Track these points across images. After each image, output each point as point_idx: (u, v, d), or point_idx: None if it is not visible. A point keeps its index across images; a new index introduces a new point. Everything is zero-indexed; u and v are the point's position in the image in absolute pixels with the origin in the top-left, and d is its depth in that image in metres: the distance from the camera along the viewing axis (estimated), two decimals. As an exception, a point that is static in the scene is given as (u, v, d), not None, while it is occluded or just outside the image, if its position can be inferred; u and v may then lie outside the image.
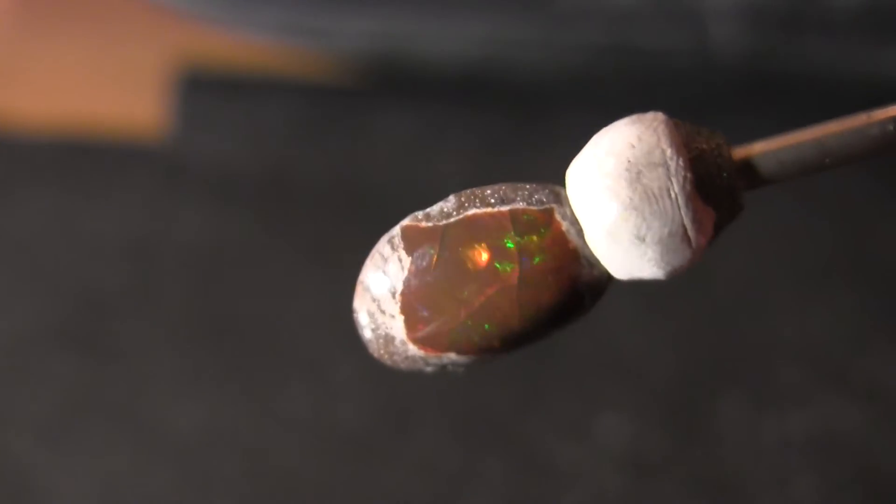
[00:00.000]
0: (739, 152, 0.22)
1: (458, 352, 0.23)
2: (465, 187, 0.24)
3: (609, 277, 0.23)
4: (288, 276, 0.51)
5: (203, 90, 0.56)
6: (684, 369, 0.49)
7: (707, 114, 0.52)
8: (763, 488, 0.46)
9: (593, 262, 0.23)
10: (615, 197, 0.22)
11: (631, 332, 0.49)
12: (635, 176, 0.22)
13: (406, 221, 0.23)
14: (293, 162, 0.54)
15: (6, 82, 0.57)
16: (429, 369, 0.24)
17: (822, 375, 0.48)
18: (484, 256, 0.23)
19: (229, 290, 0.51)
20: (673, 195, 0.22)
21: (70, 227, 0.52)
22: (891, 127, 0.22)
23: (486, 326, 0.23)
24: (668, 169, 0.22)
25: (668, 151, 0.22)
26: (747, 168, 0.22)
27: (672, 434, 0.47)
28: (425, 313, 0.23)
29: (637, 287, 0.51)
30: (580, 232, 0.23)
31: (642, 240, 0.22)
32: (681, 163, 0.22)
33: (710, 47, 0.50)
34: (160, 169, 0.54)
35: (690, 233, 0.22)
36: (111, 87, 0.57)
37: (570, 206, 0.23)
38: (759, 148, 0.22)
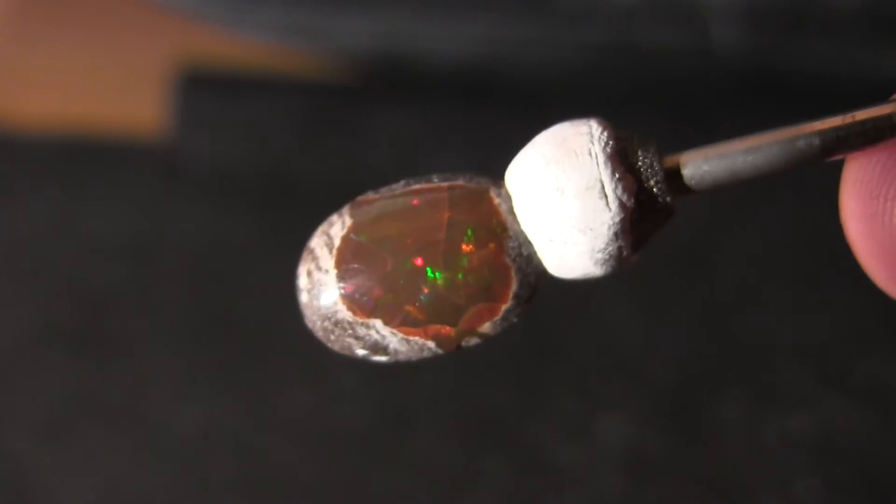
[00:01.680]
0: (669, 158, 0.23)
1: (384, 319, 0.23)
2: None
3: (539, 265, 0.23)
4: (288, 276, 0.51)
5: (203, 90, 0.56)
6: (684, 369, 0.49)
7: (707, 113, 0.52)
8: (763, 488, 0.46)
9: (522, 241, 0.23)
10: (540, 156, 0.23)
11: (631, 333, 0.49)
12: (561, 141, 0.23)
13: (358, 197, 0.24)
14: (293, 162, 0.54)
15: (6, 82, 0.57)
16: (359, 350, 0.24)
17: (823, 375, 0.48)
18: (416, 215, 0.23)
19: (229, 290, 0.51)
20: (593, 153, 0.23)
21: (70, 227, 0.52)
22: (816, 140, 0.22)
23: (408, 281, 0.23)
24: (591, 135, 0.23)
25: (594, 125, 0.23)
26: (675, 170, 0.23)
27: (672, 434, 0.47)
28: (354, 265, 0.23)
29: (637, 287, 0.51)
30: (511, 209, 0.23)
31: (562, 191, 0.23)
32: (605, 133, 0.23)
33: (710, 47, 0.50)
34: (160, 169, 0.54)
35: (608, 190, 0.23)
36: (111, 87, 0.57)
37: (505, 189, 0.24)
38: (688, 153, 0.23)
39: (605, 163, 0.23)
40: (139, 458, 0.47)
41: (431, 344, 0.24)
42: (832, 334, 0.49)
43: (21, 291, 0.51)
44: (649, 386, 0.48)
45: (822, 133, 0.22)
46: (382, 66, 0.55)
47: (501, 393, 0.49)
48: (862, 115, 0.22)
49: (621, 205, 0.23)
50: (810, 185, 0.52)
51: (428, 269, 0.23)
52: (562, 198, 0.23)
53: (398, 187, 0.24)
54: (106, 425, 0.48)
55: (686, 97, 0.53)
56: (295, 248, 0.57)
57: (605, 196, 0.23)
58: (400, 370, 0.49)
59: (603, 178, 0.23)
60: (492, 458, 0.47)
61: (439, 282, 0.23)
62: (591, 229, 0.23)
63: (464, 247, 0.23)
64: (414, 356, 0.24)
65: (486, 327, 0.24)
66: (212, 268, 0.52)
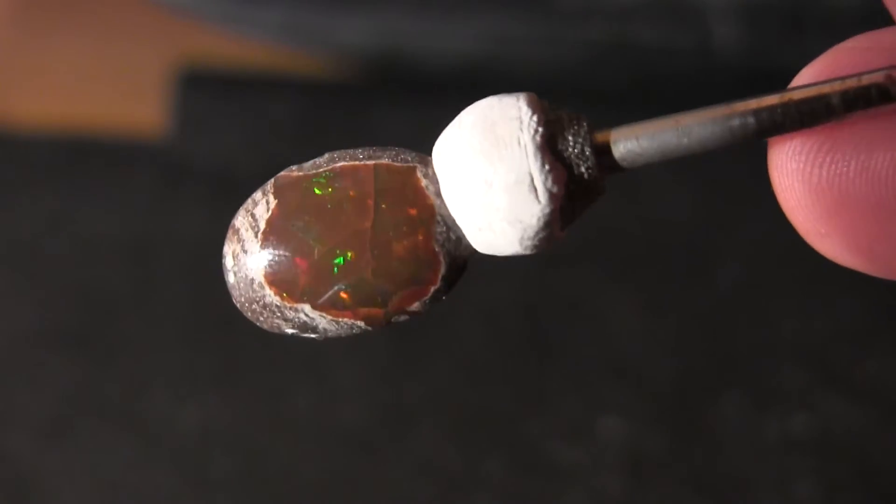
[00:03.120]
0: (600, 133, 0.23)
1: (312, 304, 0.23)
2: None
3: (468, 247, 0.23)
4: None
5: (203, 90, 0.56)
6: (684, 370, 0.49)
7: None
8: (763, 489, 0.46)
9: (450, 224, 0.23)
10: (468, 145, 0.23)
11: (631, 333, 0.49)
12: (490, 126, 0.22)
13: (281, 172, 0.24)
14: (293, 161, 0.53)
15: (6, 82, 0.57)
16: (288, 329, 0.24)
17: (823, 376, 0.48)
18: (342, 202, 0.23)
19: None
20: (522, 143, 0.22)
21: (70, 227, 0.52)
22: (751, 119, 0.22)
23: (336, 270, 0.23)
24: (520, 121, 0.22)
25: (524, 108, 0.23)
26: (605, 147, 0.22)
27: (672, 434, 0.47)
28: (281, 252, 0.23)
29: (637, 287, 0.51)
30: (439, 192, 0.23)
31: (490, 185, 0.22)
32: (534, 118, 0.22)
33: (711, 45, 0.50)
34: (160, 169, 0.54)
35: (538, 183, 0.22)
36: (111, 87, 0.57)
37: (432, 168, 0.23)
38: (619, 129, 0.23)
39: (535, 154, 0.22)
40: (139, 458, 0.47)
41: (361, 323, 0.23)
42: (832, 334, 0.49)
43: (21, 291, 0.51)
44: (649, 386, 0.48)
45: (756, 112, 0.22)
46: (382, 65, 0.55)
47: (501, 393, 0.49)
48: (799, 94, 0.22)
49: (551, 196, 0.22)
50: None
51: (356, 258, 0.23)
52: (490, 191, 0.22)
53: (322, 162, 0.24)
54: (106, 425, 0.48)
55: (685, 96, 0.53)
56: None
57: (535, 189, 0.22)
58: (400, 370, 0.49)
59: (532, 171, 0.22)
60: (492, 458, 0.47)
61: (367, 271, 0.23)
62: (521, 221, 0.22)
63: (391, 236, 0.23)
64: (343, 333, 0.24)
65: (415, 306, 0.23)
66: (212, 268, 0.52)
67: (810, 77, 0.22)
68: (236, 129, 0.55)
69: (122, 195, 0.53)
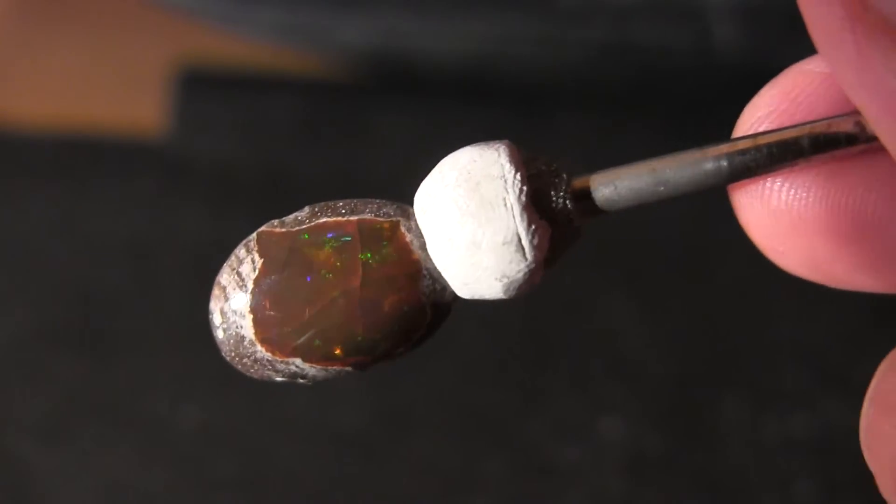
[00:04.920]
0: (578, 180, 0.23)
1: (304, 358, 0.24)
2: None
3: (452, 294, 0.24)
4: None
5: (203, 90, 0.56)
6: (684, 370, 0.49)
7: (707, 112, 0.52)
8: (763, 489, 0.46)
9: (436, 276, 0.24)
10: (454, 204, 0.23)
11: (631, 334, 0.49)
12: (474, 186, 0.23)
13: (263, 227, 0.25)
14: (293, 161, 0.54)
15: (6, 82, 0.57)
16: (278, 378, 0.24)
17: (823, 376, 0.48)
18: (329, 260, 0.24)
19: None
20: (508, 204, 0.23)
21: (70, 227, 0.52)
22: (724, 163, 0.22)
23: (329, 330, 0.24)
24: (505, 181, 0.23)
25: (507, 166, 0.23)
26: (584, 193, 0.23)
27: (672, 435, 0.47)
28: (272, 313, 0.24)
29: (637, 287, 0.51)
30: (423, 245, 0.24)
31: (478, 246, 0.23)
32: (518, 176, 0.23)
33: (711, 45, 0.50)
34: (160, 169, 0.54)
35: (525, 243, 0.23)
36: (111, 87, 0.57)
37: (415, 221, 0.24)
38: (596, 176, 0.23)
39: (521, 214, 0.23)
40: (139, 458, 0.47)
41: (349, 368, 0.24)
42: (832, 334, 0.49)
43: (21, 291, 0.51)
44: (649, 386, 0.48)
45: (729, 156, 0.22)
46: (383, 64, 0.55)
47: (501, 393, 0.49)
48: (769, 138, 0.22)
49: (536, 252, 0.23)
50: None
51: (346, 317, 0.23)
52: (479, 252, 0.23)
53: (304, 216, 0.24)
54: (106, 425, 0.48)
55: (685, 96, 0.53)
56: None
57: (522, 248, 0.23)
58: (399, 370, 0.49)
59: (520, 232, 0.23)
60: (492, 458, 0.47)
61: (358, 327, 0.23)
62: (507, 276, 0.23)
63: (380, 294, 0.23)
64: (332, 377, 0.24)
65: (399, 350, 0.24)
66: (212, 268, 0.52)
67: (769, 98, 0.23)
68: (236, 129, 0.55)
69: (122, 195, 0.53)
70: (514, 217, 0.23)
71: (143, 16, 0.56)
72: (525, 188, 0.23)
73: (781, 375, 0.48)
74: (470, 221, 0.23)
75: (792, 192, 0.23)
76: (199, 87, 0.56)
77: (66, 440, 0.48)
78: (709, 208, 0.51)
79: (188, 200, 0.53)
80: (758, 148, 0.22)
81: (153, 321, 0.50)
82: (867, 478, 0.48)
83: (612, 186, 0.23)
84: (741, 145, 0.22)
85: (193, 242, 0.52)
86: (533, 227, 0.23)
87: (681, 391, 0.48)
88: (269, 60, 0.56)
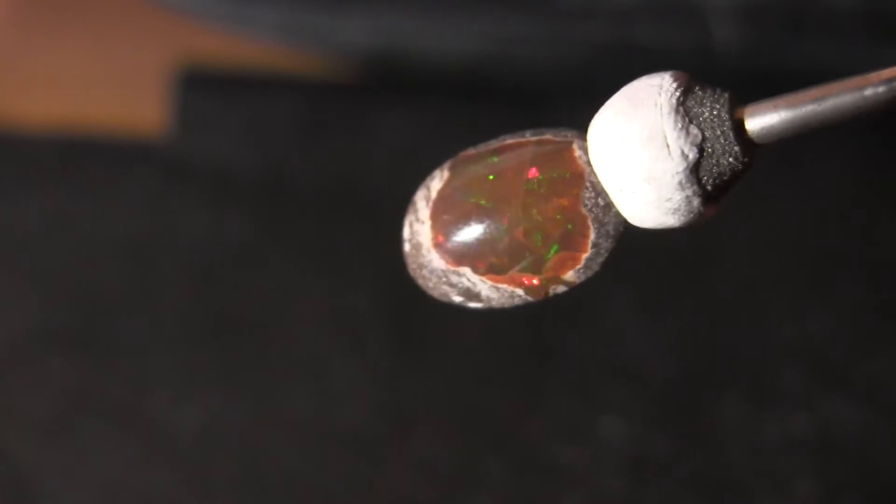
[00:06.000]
0: (740, 108, 0.23)
1: (473, 268, 0.25)
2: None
3: (617, 215, 0.24)
4: (288, 276, 0.51)
5: (203, 90, 0.56)
6: (684, 369, 0.49)
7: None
8: (763, 490, 0.46)
9: (598, 190, 0.24)
10: (610, 108, 0.24)
11: (631, 333, 0.49)
12: (633, 92, 0.24)
13: (461, 153, 0.26)
14: (293, 162, 0.54)
15: (6, 82, 0.57)
16: (455, 297, 0.25)
17: (823, 376, 0.48)
18: (503, 171, 0.25)
19: (229, 290, 0.51)
20: (658, 104, 0.23)
21: (70, 227, 0.52)
22: (882, 89, 0.23)
23: (493, 236, 0.25)
24: (660, 87, 0.24)
25: (667, 77, 0.24)
26: (745, 118, 0.23)
27: (672, 435, 0.47)
28: (445, 217, 0.25)
29: (637, 287, 0.51)
30: (589, 161, 0.24)
31: (624, 140, 0.23)
32: (673, 84, 0.23)
33: (711, 46, 0.50)
34: (160, 169, 0.54)
35: (670, 141, 0.23)
36: (111, 87, 0.57)
37: (587, 141, 0.25)
38: (754, 106, 0.23)
39: (669, 113, 0.23)
40: (139, 458, 0.47)
41: (520, 291, 0.25)
42: (832, 334, 0.49)
43: (21, 291, 0.51)
44: (649, 386, 0.48)
45: (889, 81, 0.23)
46: (383, 64, 0.54)
47: (501, 393, 0.48)
48: None
49: (683, 154, 0.23)
50: (810, 186, 0.52)
51: (509, 220, 0.24)
52: (626, 147, 0.23)
53: (495, 142, 0.25)
54: (106, 425, 0.48)
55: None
56: (294, 248, 0.57)
57: (668, 146, 0.23)
58: (400, 370, 0.49)
59: (665, 129, 0.23)
60: (492, 458, 0.47)
61: (519, 231, 0.24)
62: (655, 178, 0.23)
63: (542, 197, 0.24)
64: (506, 303, 0.25)
65: (569, 276, 0.25)
66: (212, 268, 0.52)
67: None
68: (236, 129, 0.55)
69: (122, 195, 0.53)
70: (661, 114, 0.23)
71: (143, 16, 0.56)
72: (678, 93, 0.23)
73: (781, 375, 0.48)
74: (620, 119, 0.23)
75: None
76: (199, 87, 0.56)
77: (66, 440, 0.48)
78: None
79: (188, 200, 0.53)
80: None
81: (153, 321, 0.50)
82: (867, 478, 0.48)
83: (772, 116, 0.23)
84: None
85: (193, 242, 0.52)
86: (679, 125, 0.23)
87: (681, 391, 0.48)
88: (269, 60, 0.56)
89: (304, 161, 0.53)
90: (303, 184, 0.53)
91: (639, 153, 0.23)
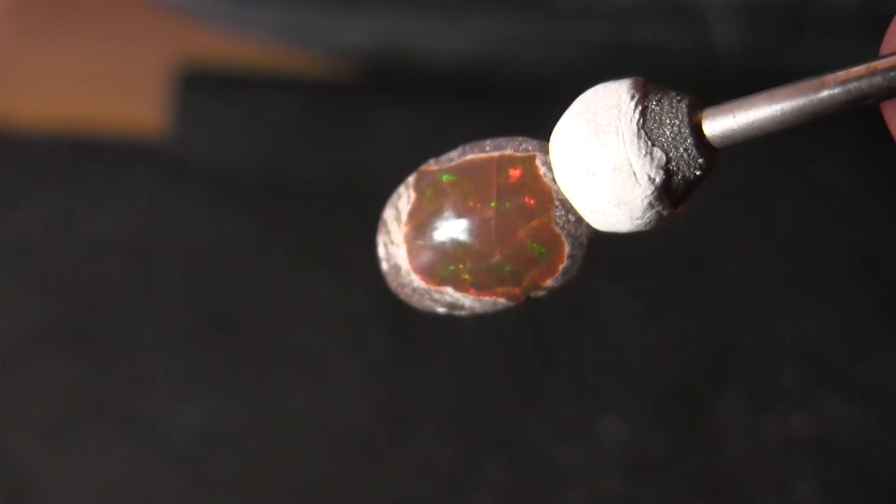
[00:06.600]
0: (697, 113, 0.24)
1: (454, 287, 0.25)
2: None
3: (587, 226, 0.25)
4: (288, 276, 0.51)
5: (203, 90, 0.56)
6: (684, 370, 0.49)
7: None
8: (763, 489, 0.46)
9: (568, 207, 0.25)
10: (573, 132, 0.24)
11: (631, 333, 0.49)
12: (592, 115, 0.24)
13: (422, 166, 0.26)
14: (293, 161, 0.54)
15: (6, 82, 0.57)
16: (439, 309, 0.26)
17: (822, 376, 0.48)
18: (470, 191, 0.25)
19: (229, 290, 0.51)
20: (620, 131, 0.23)
21: (70, 227, 0.52)
22: (837, 90, 0.23)
23: (468, 259, 0.25)
24: (619, 109, 0.24)
25: (624, 96, 0.24)
26: (703, 125, 0.23)
27: (672, 435, 0.47)
28: (420, 242, 0.25)
29: (637, 287, 0.51)
30: (556, 180, 0.25)
31: (593, 172, 0.24)
32: (632, 104, 0.23)
33: (711, 46, 0.50)
34: (160, 169, 0.54)
35: (636, 169, 0.23)
36: (111, 87, 0.57)
37: (550, 156, 0.25)
38: (713, 108, 0.23)
39: (631, 140, 0.23)
40: (139, 458, 0.47)
41: (502, 300, 0.26)
42: (832, 334, 0.49)
43: (21, 291, 0.51)
44: (649, 386, 0.48)
45: (844, 83, 0.23)
46: (383, 64, 0.54)
47: (501, 393, 0.49)
48: (883, 64, 0.22)
49: (650, 179, 0.23)
50: (810, 185, 0.52)
51: (484, 245, 0.25)
52: (594, 178, 0.23)
53: (455, 154, 0.26)
54: (106, 425, 0.48)
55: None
56: (294, 248, 0.57)
57: (634, 174, 0.23)
58: (400, 370, 0.49)
59: (630, 157, 0.23)
60: (492, 458, 0.47)
61: (496, 255, 0.25)
62: (625, 203, 0.24)
63: (514, 222, 0.25)
64: (489, 310, 0.26)
65: (548, 283, 0.25)
66: (212, 268, 0.52)
67: None
68: (236, 129, 0.55)
69: (122, 195, 0.53)
70: (624, 143, 0.23)
71: (143, 16, 0.56)
72: (637, 116, 0.23)
73: (781, 375, 0.48)
74: (584, 148, 0.24)
75: None
76: (198, 87, 0.56)
77: (66, 440, 0.48)
78: (709, 208, 0.51)
79: (188, 200, 0.53)
80: (871, 73, 0.23)
81: (153, 321, 0.50)
82: (867, 478, 0.48)
83: (728, 121, 0.23)
84: (855, 73, 0.23)
85: (193, 242, 0.52)
86: (643, 152, 0.23)
87: (681, 391, 0.48)
88: (269, 60, 0.56)
89: (303, 161, 0.53)
90: (303, 184, 0.53)
91: (607, 183, 0.23)
